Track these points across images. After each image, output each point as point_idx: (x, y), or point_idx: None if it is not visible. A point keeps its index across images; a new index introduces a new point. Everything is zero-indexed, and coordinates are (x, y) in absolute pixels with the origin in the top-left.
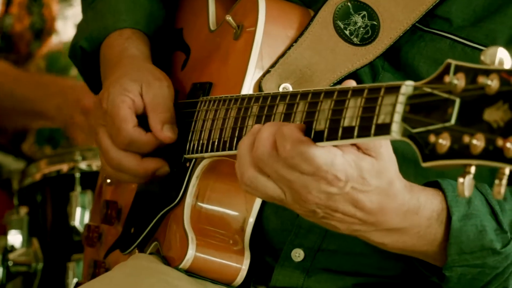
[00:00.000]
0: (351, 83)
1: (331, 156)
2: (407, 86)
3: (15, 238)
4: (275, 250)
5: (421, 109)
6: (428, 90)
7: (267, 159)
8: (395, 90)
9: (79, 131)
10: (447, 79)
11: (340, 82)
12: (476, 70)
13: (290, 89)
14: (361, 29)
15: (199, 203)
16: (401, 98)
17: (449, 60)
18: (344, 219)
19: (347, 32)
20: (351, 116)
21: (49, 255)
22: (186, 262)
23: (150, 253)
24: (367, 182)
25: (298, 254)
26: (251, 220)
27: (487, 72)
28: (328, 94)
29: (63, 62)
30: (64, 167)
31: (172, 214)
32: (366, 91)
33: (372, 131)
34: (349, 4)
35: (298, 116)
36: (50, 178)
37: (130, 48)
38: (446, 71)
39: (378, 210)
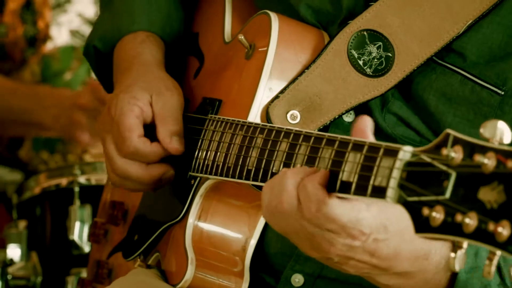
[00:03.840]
0: (366, 121)
1: (355, 212)
2: (405, 152)
3: (14, 252)
4: (276, 271)
5: (418, 178)
6: (427, 159)
7: (294, 214)
8: (393, 154)
9: (82, 130)
10: (444, 151)
11: (349, 112)
12: (473, 145)
13: (299, 116)
14: (375, 60)
15: (201, 224)
16: (398, 164)
17: (448, 131)
18: (356, 265)
19: (360, 62)
20: (349, 170)
21: (48, 269)
22: (185, 283)
23: (151, 265)
24: (387, 230)
25: (298, 280)
26: (253, 241)
27: (484, 150)
28: (330, 142)
29: (57, 67)
30: (63, 181)
31: (174, 229)
32: (366, 148)
33: (369, 191)
34: (365, 33)
35: (300, 158)
36: (49, 192)
37: (143, 54)
38: (445, 141)
39: (393, 256)
